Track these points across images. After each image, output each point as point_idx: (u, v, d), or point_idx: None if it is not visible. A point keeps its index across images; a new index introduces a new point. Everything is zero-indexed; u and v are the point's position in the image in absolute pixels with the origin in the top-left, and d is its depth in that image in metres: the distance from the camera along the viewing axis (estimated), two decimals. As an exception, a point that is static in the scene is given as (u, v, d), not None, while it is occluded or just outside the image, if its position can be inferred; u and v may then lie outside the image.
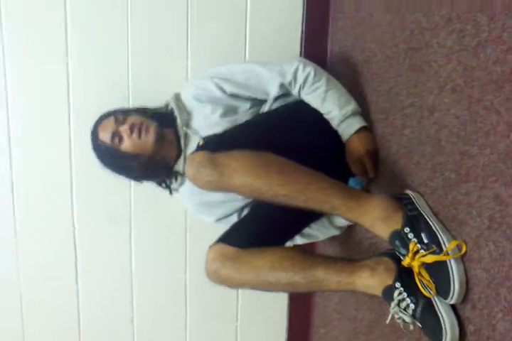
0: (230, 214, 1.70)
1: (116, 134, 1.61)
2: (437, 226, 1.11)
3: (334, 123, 1.52)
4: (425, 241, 1.10)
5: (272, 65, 1.60)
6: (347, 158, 1.51)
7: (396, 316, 1.16)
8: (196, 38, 1.88)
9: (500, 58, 0.92)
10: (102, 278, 2.06)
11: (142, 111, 1.68)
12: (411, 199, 1.20)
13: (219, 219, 1.72)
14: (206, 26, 1.87)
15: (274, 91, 1.59)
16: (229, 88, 1.60)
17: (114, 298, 2.10)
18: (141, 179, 1.75)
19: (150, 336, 2.17)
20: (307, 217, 1.56)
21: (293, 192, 1.21)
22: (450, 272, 1.03)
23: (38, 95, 1.86)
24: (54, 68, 1.84)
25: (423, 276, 1.10)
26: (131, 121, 1.61)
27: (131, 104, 1.86)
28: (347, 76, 1.69)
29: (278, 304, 2.19)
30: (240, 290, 2.10)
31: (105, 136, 1.62)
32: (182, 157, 1.65)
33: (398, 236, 1.14)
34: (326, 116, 1.54)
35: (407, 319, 1.13)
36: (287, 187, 1.20)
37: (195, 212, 1.79)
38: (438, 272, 1.07)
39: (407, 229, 1.13)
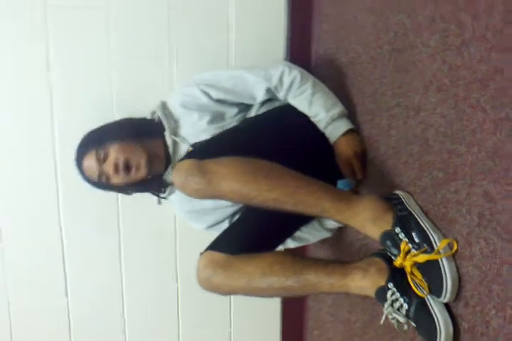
0: (221, 221, 1.69)
1: (102, 174, 1.57)
2: (428, 225, 1.11)
3: (321, 126, 1.53)
4: (416, 240, 1.11)
5: (257, 69, 1.60)
6: (336, 160, 1.51)
7: (390, 316, 1.16)
8: (180, 44, 1.87)
9: (484, 57, 0.93)
10: (92, 290, 2.04)
11: (121, 132, 1.59)
12: (400, 199, 1.20)
13: (210, 226, 1.71)
14: (190, 32, 1.87)
15: (260, 95, 1.59)
16: (215, 94, 1.59)
17: (105, 308, 2.08)
18: (131, 193, 1.74)
19: (143, 345, 2.15)
20: (298, 220, 1.56)
21: (282, 197, 1.21)
22: (442, 271, 1.04)
23: (21, 108, 1.84)
24: (36, 82, 1.82)
25: (415, 276, 1.11)
26: (113, 156, 1.55)
27: (115, 114, 1.84)
28: (332, 78, 1.70)
29: (271, 308, 2.19)
30: (232, 296, 2.10)
31: (92, 176, 1.60)
32: (171, 166, 1.63)
33: (389, 236, 1.15)
34: (312, 119, 1.54)
35: (401, 319, 1.13)
36: (276, 191, 1.20)
37: (186, 219, 1.78)
38: (430, 271, 1.07)
39: (397, 229, 1.14)
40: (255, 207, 1.26)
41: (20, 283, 1.99)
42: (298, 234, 1.68)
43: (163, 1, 1.83)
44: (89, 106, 1.85)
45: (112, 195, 1.82)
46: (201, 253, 1.35)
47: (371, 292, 1.18)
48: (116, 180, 1.57)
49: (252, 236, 1.42)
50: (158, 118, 1.65)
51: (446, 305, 1.08)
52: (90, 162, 1.58)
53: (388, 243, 1.15)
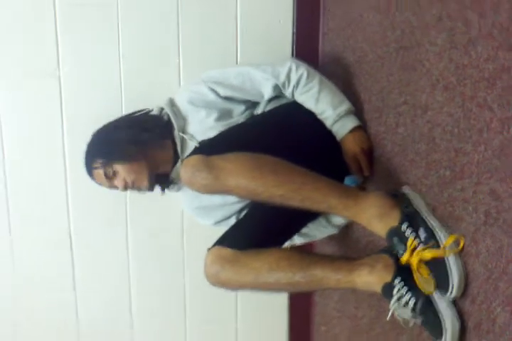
0: (229, 217, 1.70)
1: (112, 186, 1.64)
2: (434, 223, 1.11)
3: (328, 123, 1.53)
4: (423, 237, 1.11)
5: (264, 66, 1.60)
6: (343, 157, 1.52)
7: (396, 313, 1.16)
8: (187, 41, 1.88)
9: (491, 55, 0.93)
10: (99, 285, 2.06)
11: (128, 148, 1.60)
12: (407, 196, 1.21)
13: (218, 222, 1.72)
14: (197, 29, 1.87)
15: (267, 92, 1.60)
16: (223, 91, 1.60)
17: (112, 304, 2.10)
18: None
19: (150, 340, 2.17)
20: (304, 216, 1.57)
21: (289, 193, 1.21)
22: (448, 267, 1.04)
23: (31, 104, 1.86)
24: (45, 80, 1.84)
25: (422, 272, 1.11)
26: (122, 175, 1.59)
27: (124, 110, 1.85)
28: (339, 76, 1.70)
29: (278, 304, 2.20)
30: (239, 292, 2.10)
31: (102, 184, 1.64)
32: (178, 163, 1.64)
33: (396, 233, 1.15)
34: (319, 117, 1.55)
35: (407, 315, 1.14)
36: (283, 187, 1.21)
37: (194, 216, 1.79)
38: (436, 268, 1.07)
39: (404, 226, 1.14)
40: (262, 203, 1.27)
41: (28, 278, 2.01)
42: (305, 230, 1.69)
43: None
44: (98, 102, 1.87)
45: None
46: (209, 249, 1.36)
47: (377, 288, 1.18)
48: (126, 190, 1.63)
49: (259, 232, 1.43)
50: (167, 115, 1.66)
51: (453, 302, 1.09)
52: (100, 176, 1.62)
53: (395, 239, 1.15)
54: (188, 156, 1.30)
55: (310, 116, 1.56)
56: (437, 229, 1.10)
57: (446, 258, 1.05)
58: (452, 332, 1.05)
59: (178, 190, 1.72)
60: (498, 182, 0.92)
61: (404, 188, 1.25)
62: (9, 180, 1.91)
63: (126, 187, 1.61)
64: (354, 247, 1.67)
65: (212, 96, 1.60)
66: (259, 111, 1.64)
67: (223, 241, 1.38)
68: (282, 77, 1.57)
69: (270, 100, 1.64)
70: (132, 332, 2.13)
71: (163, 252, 2.07)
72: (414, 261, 1.12)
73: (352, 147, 1.50)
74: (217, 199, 1.63)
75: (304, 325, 2.23)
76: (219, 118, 1.60)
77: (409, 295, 1.13)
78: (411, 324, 1.15)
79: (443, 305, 1.08)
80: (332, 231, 1.74)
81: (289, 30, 1.93)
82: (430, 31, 1.14)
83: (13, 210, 1.94)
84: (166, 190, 1.73)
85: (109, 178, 1.61)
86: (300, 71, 1.57)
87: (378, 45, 1.42)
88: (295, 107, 1.59)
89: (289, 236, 1.55)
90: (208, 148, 1.32)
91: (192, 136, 1.62)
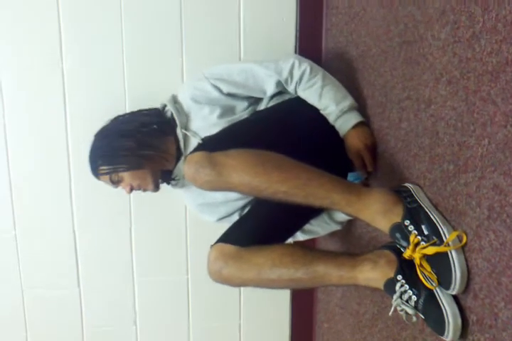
0: (232, 213, 1.70)
1: (117, 187, 1.67)
2: (437, 218, 1.11)
3: (331, 119, 1.53)
4: (425, 232, 1.11)
5: (267, 62, 1.60)
6: (347, 153, 1.51)
7: (399, 308, 1.16)
8: (190, 37, 1.88)
9: (495, 49, 0.93)
10: (103, 281, 2.07)
11: (133, 154, 1.60)
12: (410, 191, 1.20)
13: (221, 219, 1.72)
14: (200, 25, 1.87)
15: (270, 88, 1.60)
16: (226, 88, 1.60)
17: (116, 300, 2.10)
18: None
19: (153, 336, 2.17)
20: (307, 213, 1.57)
21: (292, 189, 1.21)
22: (451, 263, 1.04)
23: (34, 99, 1.87)
24: (49, 73, 1.84)
25: (424, 268, 1.11)
26: (127, 181, 1.62)
27: (128, 107, 1.86)
28: (342, 71, 1.70)
29: (280, 300, 2.20)
30: (242, 288, 2.11)
31: (108, 185, 1.67)
32: (182, 160, 1.64)
33: (398, 228, 1.15)
34: (322, 112, 1.55)
35: (410, 311, 1.14)
36: (286, 183, 1.21)
37: (197, 212, 1.80)
38: (439, 263, 1.07)
39: (407, 222, 1.14)
40: (265, 200, 1.26)
41: (32, 273, 2.02)
42: (307, 226, 1.69)
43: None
44: (101, 98, 1.88)
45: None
46: (212, 246, 1.36)
47: (380, 284, 1.18)
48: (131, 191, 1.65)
49: (262, 228, 1.43)
50: (170, 112, 1.66)
51: (455, 298, 1.08)
52: (105, 179, 1.64)
53: (398, 235, 1.15)
54: (191, 153, 1.30)
55: (313, 111, 1.56)
56: (440, 225, 1.09)
57: (448, 254, 1.05)
58: (454, 328, 1.05)
59: (182, 186, 1.72)
60: (501, 176, 0.92)
61: (407, 184, 1.25)
62: (12, 174, 1.91)
63: (131, 191, 1.63)
64: (357, 243, 1.67)
65: (215, 93, 1.60)
66: (262, 107, 1.64)
67: (226, 237, 1.38)
68: (285, 74, 1.57)
69: (273, 96, 1.64)
70: (136, 327, 2.14)
71: (167, 248, 2.07)
72: (416, 257, 1.11)
73: (355, 143, 1.50)
74: (220, 195, 1.63)
75: (307, 322, 2.23)
76: (222, 115, 1.60)
77: (411, 290, 1.13)
78: (413, 319, 1.15)
79: (445, 301, 1.07)
80: (335, 227, 1.74)
81: (293, 28, 1.93)
82: (433, 25, 1.14)
83: (17, 207, 1.95)
84: (170, 185, 1.73)
85: (115, 183, 1.63)
86: (303, 67, 1.57)
87: (381, 40, 1.42)
88: (298, 103, 1.59)
89: (291, 232, 1.55)
90: (211, 145, 1.32)
91: (195, 133, 1.62)
